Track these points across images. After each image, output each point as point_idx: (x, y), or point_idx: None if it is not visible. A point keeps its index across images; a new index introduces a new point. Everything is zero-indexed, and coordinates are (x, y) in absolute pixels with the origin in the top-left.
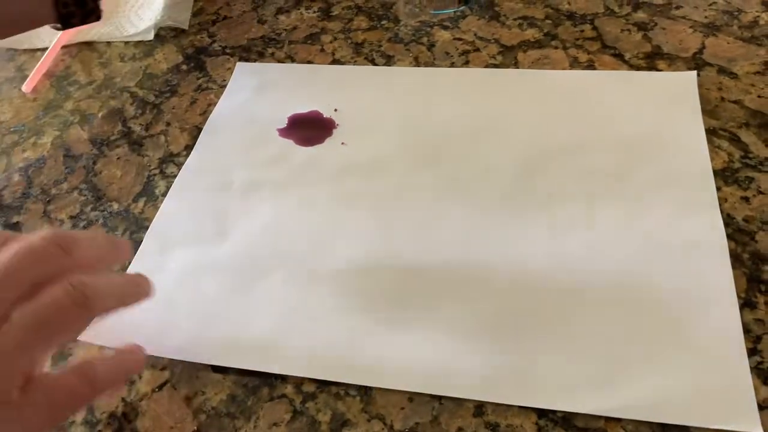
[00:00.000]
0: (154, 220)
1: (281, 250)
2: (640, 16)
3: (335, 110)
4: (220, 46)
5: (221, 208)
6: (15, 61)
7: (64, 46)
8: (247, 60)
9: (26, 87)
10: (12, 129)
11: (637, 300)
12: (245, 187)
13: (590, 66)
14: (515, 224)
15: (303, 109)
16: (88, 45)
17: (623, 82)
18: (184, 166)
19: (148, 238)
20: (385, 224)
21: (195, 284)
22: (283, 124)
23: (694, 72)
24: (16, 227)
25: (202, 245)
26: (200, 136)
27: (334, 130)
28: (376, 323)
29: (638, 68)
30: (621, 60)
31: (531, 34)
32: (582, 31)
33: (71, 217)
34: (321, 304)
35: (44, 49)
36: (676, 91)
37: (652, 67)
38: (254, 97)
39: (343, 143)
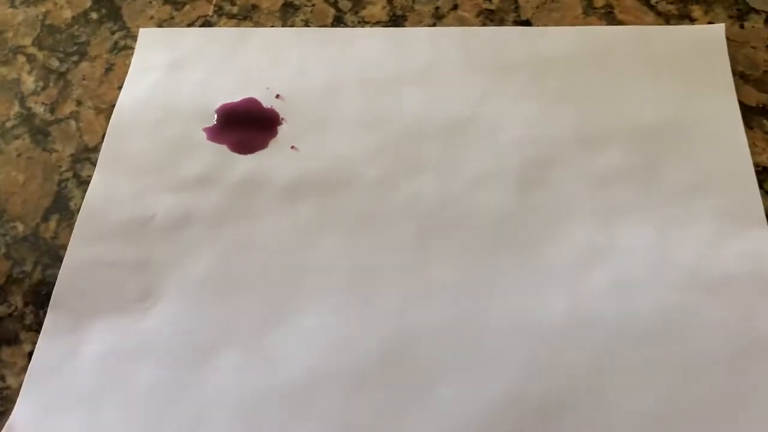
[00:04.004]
0: (57, 283)
1: (227, 319)
2: None
3: (277, 96)
4: None
5: (142, 255)
6: None
7: None
8: (173, 2)
9: None
10: None
11: (681, 361)
12: (170, 222)
13: (608, 12)
14: (518, 263)
15: (235, 96)
16: None
17: (638, 43)
18: (87, 194)
19: (54, 311)
20: (358, 269)
21: (123, 375)
22: (212, 120)
23: (722, 25)
24: None
25: (124, 315)
26: (103, 143)
27: (279, 128)
28: (359, 415)
29: (667, 16)
30: (646, 4)
31: None
32: None
33: None
34: (288, 394)
35: None
36: (703, 54)
37: (684, 15)
38: (168, 78)
39: (292, 147)
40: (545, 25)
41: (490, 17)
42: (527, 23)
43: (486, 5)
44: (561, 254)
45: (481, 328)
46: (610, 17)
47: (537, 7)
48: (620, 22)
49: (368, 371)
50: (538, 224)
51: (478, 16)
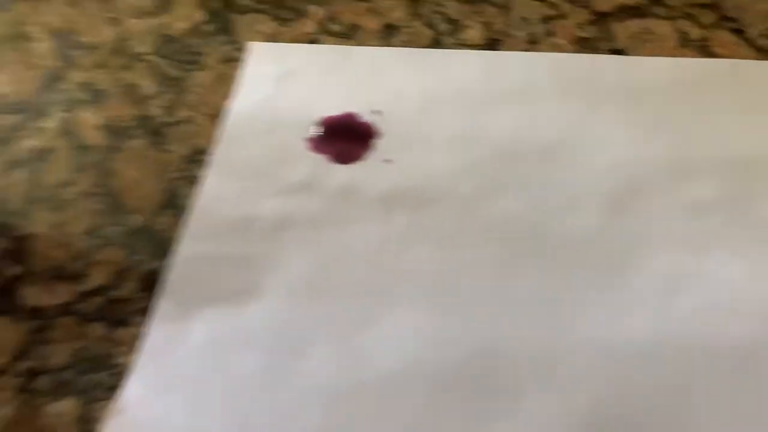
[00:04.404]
0: (168, 273)
1: (322, 316)
2: None
3: (375, 112)
4: None
5: (246, 252)
6: (8, 13)
7: None
8: (280, 19)
9: None
10: (12, 107)
11: (766, 390)
12: (272, 224)
13: (704, 46)
14: (604, 284)
15: (335, 109)
16: None
17: (734, 77)
18: (198, 193)
19: (164, 299)
20: (447, 278)
21: (224, 362)
22: (312, 131)
23: None
24: (23, 242)
25: (227, 306)
26: (215, 147)
27: (376, 142)
28: (441, 419)
29: (765, 51)
30: (743, 38)
31: None
32: None
33: (86, 233)
34: (375, 392)
35: (45, 0)
36: None
37: None
38: (275, 91)
39: (387, 160)
40: (639, 55)
41: (584, 45)
42: (621, 53)
43: (581, 33)
44: (647, 278)
45: (565, 345)
46: (705, 50)
47: (631, 37)
48: (716, 56)
49: (453, 377)
50: (626, 248)
51: (572, 43)
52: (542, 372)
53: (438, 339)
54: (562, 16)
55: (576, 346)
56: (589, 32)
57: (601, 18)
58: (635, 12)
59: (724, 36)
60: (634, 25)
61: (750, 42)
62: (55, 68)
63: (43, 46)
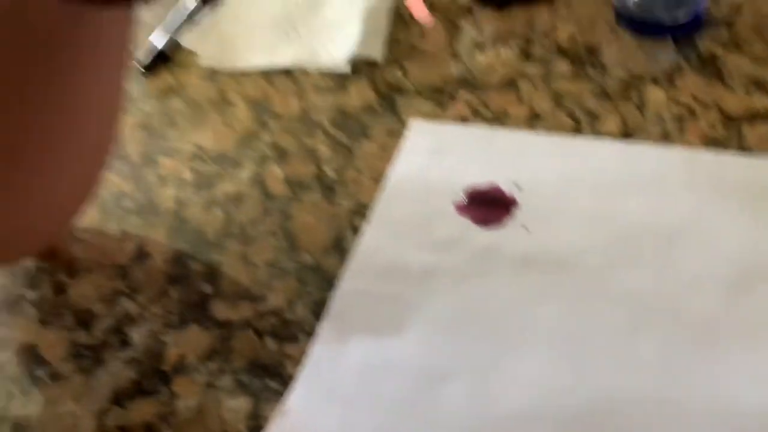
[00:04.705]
0: (331, 303)
1: (461, 356)
2: None
3: (517, 187)
4: (412, 84)
5: (398, 295)
6: (216, 82)
7: (262, 73)
8: (438, 102)
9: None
10: (213, 158)
11: None
12: (420, 273)
13: None
14: (721, 359)
15: (481, 181)
16: (286, 72)
17: None
18: (360, 240)
19: (327, 323)
20: (573, 336)
21: (376, 386)
22: (459, 197)
23: None
24: (216, 267)
25: (380, 337)
26: (376, 205)
27: (515, 212)
28: None
29: None
30: None
31: (760, 102)
32: None
33: (267, 264)
34: (504, 427)
35: (246, 75)
36: None
37: None
38: (429, 162)
39: (525, 228)
40: None
41: (714, 144)
42: (750, 153)
43: (711, 133)
44: (763, 358)
45: (680, 409)
46: None
47: (761, 140)
48: None
49: (573, 424)
50: (744, 328)
51: (702, 141)
52: (655, 429)
53: (561, 389)
54: (693, 116)
55: (688, 410)
56: (719, 132)
57: (731, 120)
58: (765, 116)
59: None
60: (763, 129)
61: None
62: (250, 130)
63: (241, 111)
